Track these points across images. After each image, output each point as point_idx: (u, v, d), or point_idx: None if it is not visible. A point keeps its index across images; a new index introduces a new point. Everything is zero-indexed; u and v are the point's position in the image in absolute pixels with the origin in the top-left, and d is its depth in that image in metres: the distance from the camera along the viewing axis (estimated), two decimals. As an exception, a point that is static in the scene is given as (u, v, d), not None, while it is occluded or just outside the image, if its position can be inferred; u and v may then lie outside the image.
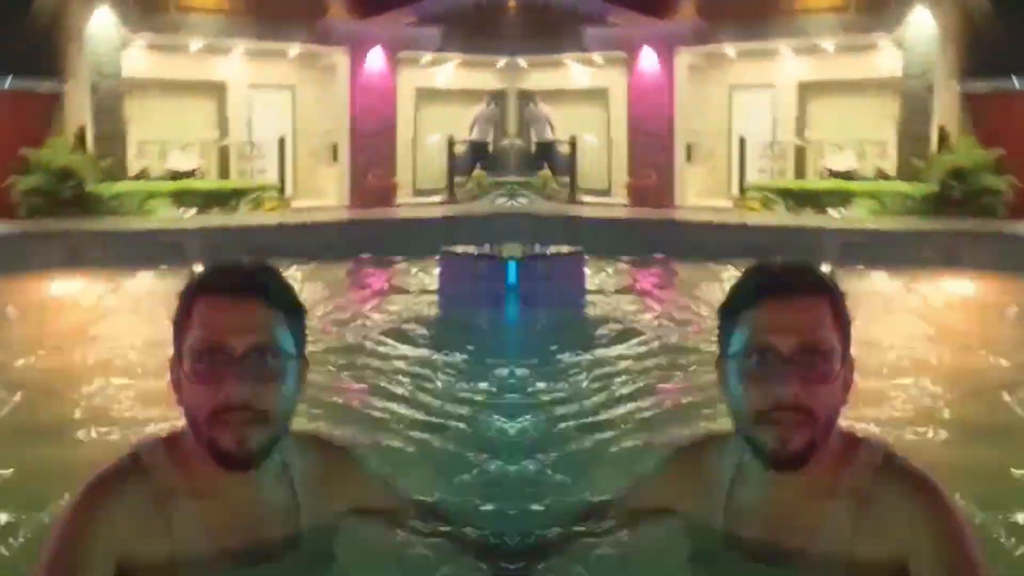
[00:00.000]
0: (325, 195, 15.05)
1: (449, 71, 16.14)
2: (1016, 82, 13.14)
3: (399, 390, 4.26)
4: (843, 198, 12.96)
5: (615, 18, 15.34)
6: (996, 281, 8.56)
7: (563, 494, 2.67)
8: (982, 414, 4.14)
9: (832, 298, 1.51)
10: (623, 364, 4.79)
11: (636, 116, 15.57)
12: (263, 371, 1.46)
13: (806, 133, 14.86)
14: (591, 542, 1.75)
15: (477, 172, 15.64)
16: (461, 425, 3.61)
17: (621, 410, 3.90)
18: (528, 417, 3.60)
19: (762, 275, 1.55)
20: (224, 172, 14.64)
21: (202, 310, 1.49)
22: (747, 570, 1.58)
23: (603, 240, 9.76)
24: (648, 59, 15.35)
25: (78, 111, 13.47)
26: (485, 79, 15.59)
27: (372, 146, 15.21)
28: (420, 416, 3.78)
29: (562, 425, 3.62)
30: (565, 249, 8.15)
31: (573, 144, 15.46)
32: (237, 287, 1.50)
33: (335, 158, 15.25)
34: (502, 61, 14.91)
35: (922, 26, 13.34)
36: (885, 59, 13.93)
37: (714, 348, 1.60)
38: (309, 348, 1.60)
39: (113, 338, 6.03)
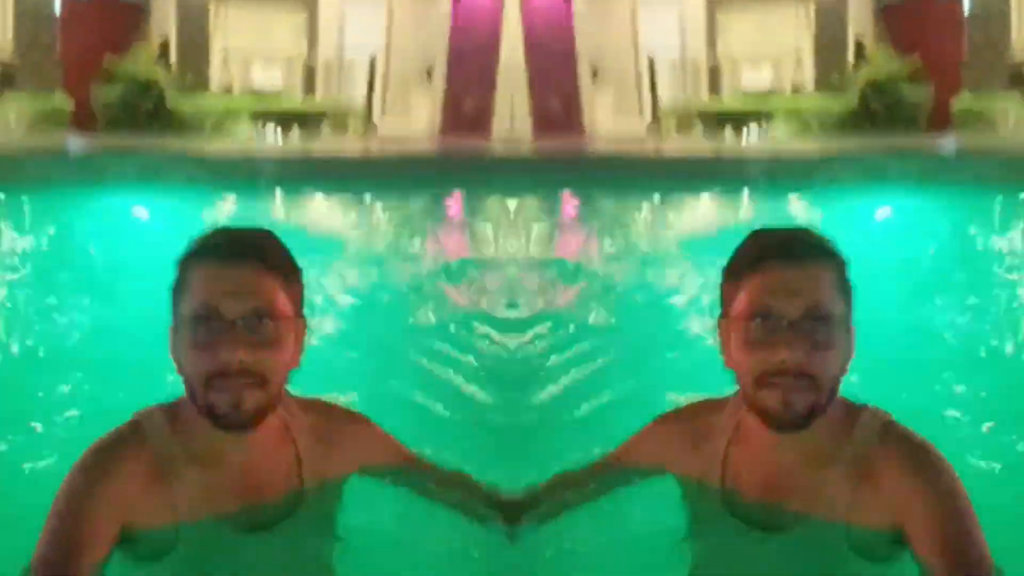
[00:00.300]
0: (416, 121, 14.13)
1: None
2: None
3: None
4: (762, 117, 12.33)
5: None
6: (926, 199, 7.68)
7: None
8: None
9: (836, 264, 1.50)
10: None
11: (533, 34, 13.74)
12: (260, 335, 1.46)
13: (718, 48, 13.80)
14: (582, 503, 1.73)
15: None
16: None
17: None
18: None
19: (766, 239, 1.53)
20: (310, 90, 13.96)
21: (197, 276, 1.49)
22: (743, 536, 1.55)
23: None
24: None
25: (163, 21, 13.19)
26: None
27: (471, 70, 14.19)
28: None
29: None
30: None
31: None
32: (231, 252, 1.50)
33: (429, 79, 14.33)
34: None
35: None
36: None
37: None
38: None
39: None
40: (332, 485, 1.64)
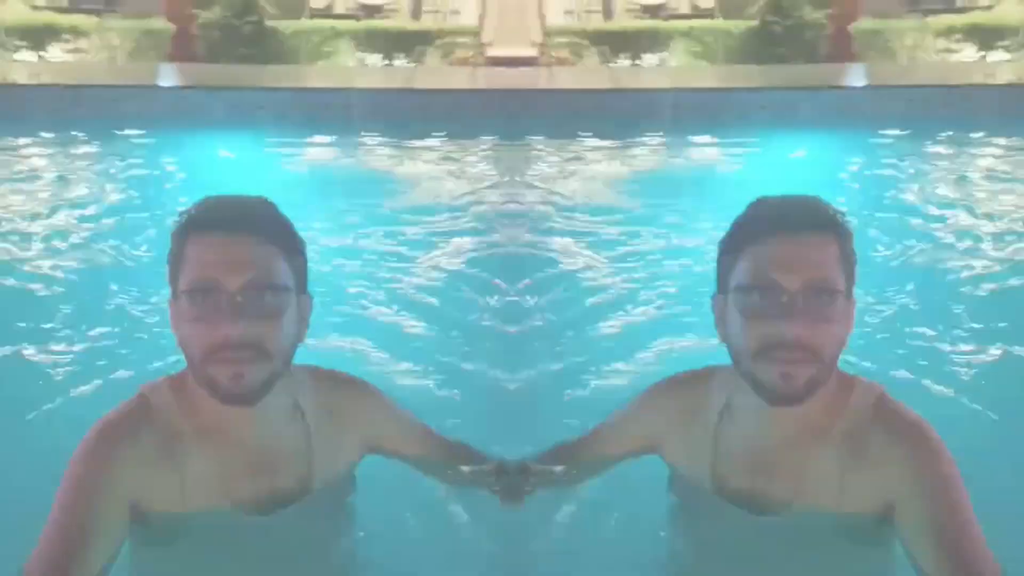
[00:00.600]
0: (529, 44, 13.10)
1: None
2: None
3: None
4: (659, 41, 11.68)
5: None
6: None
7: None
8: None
9: (840, 235, 1.45)
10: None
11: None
12: (260, 308, 1.41)
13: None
14: (571, 480, 1.74)
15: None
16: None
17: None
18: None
19: (768, 209, 1.49)
20: (416, 11, 13.13)
21: (194, 248, 1.44)
22: (733, 518, 1.54)
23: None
24: None
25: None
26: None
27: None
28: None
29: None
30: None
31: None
32: (229, 223, 1.45)
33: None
34: None
35: None
36: None
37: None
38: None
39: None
40: (343, 464, 1.64)
